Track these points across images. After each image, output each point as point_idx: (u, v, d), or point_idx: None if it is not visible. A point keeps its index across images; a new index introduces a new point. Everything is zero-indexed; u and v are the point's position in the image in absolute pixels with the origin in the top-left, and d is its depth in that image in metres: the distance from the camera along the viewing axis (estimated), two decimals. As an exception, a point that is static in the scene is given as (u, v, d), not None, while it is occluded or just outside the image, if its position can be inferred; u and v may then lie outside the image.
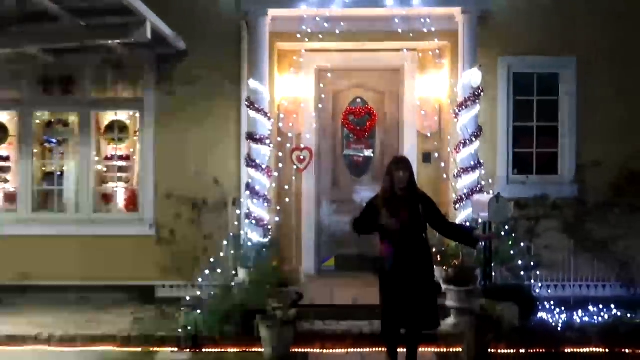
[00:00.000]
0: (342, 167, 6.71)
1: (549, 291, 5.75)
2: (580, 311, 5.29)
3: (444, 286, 5.12)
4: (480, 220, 5.26)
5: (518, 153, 6.13)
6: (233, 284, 5.36)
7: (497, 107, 6.03)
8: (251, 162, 5.57)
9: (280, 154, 6.25)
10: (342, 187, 6.69)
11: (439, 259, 5.33)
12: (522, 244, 5.57)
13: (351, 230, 4.33)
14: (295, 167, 6.29)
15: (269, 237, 5.61)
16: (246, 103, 5.63)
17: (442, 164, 6.20)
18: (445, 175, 6.11)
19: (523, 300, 4.96)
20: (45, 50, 5.71)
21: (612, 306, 5.36)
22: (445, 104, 6.21)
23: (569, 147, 6.06)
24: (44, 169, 6.54)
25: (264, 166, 5.57)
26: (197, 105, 6.06)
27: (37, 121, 6.47)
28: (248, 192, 5.59)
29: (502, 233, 5.43)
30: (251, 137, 5.59)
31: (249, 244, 5.45)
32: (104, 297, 6.04)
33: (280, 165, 6.23)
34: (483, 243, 5.12)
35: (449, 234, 4.37)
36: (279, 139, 6.30)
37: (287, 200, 6.29)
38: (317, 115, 6.51)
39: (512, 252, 5.37)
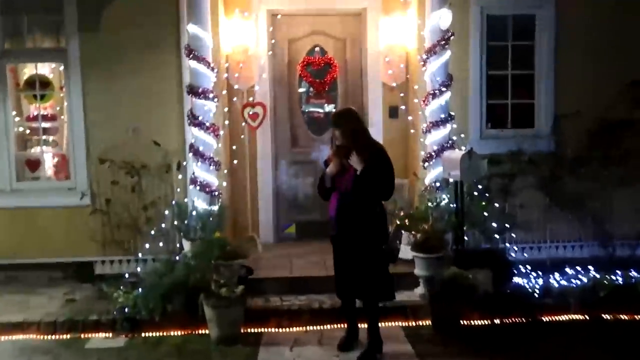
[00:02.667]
0: (302, 124, 6.08)
1: (525, 254, 5.35)
2: (557, 274, 4.92)
3: (412, 253, 4.64)
4: (451, 180, 4.76)
5: (492, 105, 5.60)
6: (177, 258, 4.77)
7: (469, 53, 5.43)
8: (194, 120, 4.88)
9: (226, 110, 5.57)
10: (302, 147, 6.07)
11: (406, 223, 4.85)
12: (495, 204, 5.14)
13: (318, 196, 4.00)
14: (246, 124, 5.63)
15: (219, 204, 5.00)
16: (185, 51, 4.89)
17: (410, 118, 5.64)
18: (413, 131, 5.57)
19: (497, 265, 4.63)
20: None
21: (590, 267, 5.00)
22: (412, 51, 5.60)
23: (546, 97, 5.55)
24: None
25: (208, 124, 4.89)
26: (131, 56, 5.29)
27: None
28: (192, 154, 4.93)
29: (475, 193, 4.97)
30: (193, 90, 4.88)
31: (194, 213, 4.83)
32: (37, 275, 5.40)
33: (227, 122, 5.56)
34: (454, 205, 4.69)
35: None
36: (227, 92, 5.60)
37: (240, 162, 5.68)
38: (271, 67, 5.83)
39: (485, 213, 4.93)
